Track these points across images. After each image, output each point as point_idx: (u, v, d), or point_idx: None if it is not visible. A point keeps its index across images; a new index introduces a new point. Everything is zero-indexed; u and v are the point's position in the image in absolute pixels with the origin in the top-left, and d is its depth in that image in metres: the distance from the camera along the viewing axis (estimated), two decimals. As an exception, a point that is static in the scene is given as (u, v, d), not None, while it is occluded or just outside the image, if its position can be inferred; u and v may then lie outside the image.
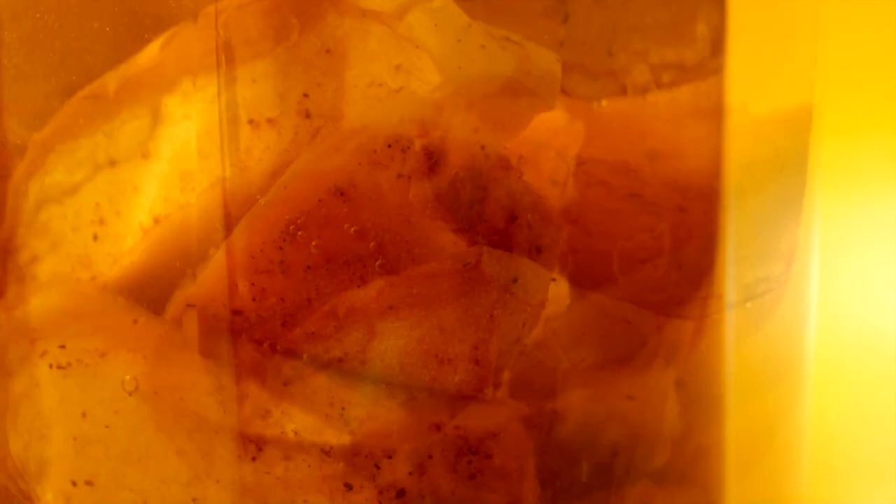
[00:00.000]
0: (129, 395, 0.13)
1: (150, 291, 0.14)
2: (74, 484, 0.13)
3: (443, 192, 0.12)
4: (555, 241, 0.13)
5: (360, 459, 0.13)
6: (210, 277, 0.13)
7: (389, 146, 0.12)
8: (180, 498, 0.13)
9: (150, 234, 0.14)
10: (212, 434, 0.13)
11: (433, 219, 0.12)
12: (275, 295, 0.13)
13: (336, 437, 0.13)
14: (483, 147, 0.12)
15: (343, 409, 0.13)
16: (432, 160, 0.12)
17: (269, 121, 0.13)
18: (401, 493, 0.13)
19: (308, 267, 0.12)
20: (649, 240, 0.15)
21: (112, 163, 0.14)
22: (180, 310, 0.13)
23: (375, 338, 0.13)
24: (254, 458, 0.13)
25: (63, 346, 0.13)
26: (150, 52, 0.14)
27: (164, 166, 0.14)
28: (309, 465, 0.13)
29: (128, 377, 0.13)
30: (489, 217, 0.13)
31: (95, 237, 0.14)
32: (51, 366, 0.13)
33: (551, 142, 0.14)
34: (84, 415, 0.13)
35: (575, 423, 0.16)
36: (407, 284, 0.13)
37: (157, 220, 0.14)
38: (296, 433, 0.13)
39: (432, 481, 0.15)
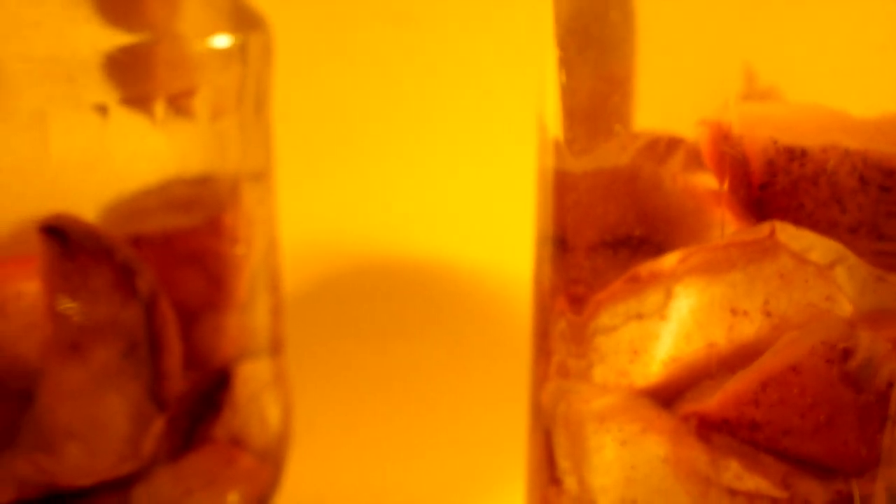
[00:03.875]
0: (662, 460, 0.23)
1: (665, 397, 0.23)
2: (623, 500, 0.24)
3: (851, 371, 0.21)
4: None
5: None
6: (705, 398, 0.23)
7: (822, 343, 0.21)
8: (686, 517, 0.23)
9: (668, 366, 0.23)
10: (707, 485, 0.22)
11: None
12: (746, 418, 0.22)
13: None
14: (876, 346, 0.21)
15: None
16: (847, 355, 0.21)
17: (744, 312, 0.22)
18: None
19: (757, 424, 0.22)
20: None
21: (640, 317, 0.24)
22: (684, 413, 0.23)
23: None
24: (729, 502, 0.22)
25: (621, 430, 0.23)
26: (671, 260, 0.23)
27: (675, 326, 0.23)
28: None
29: (660, 450, 0.23)
30: (877, 384, 0.21)
31: (631, 361, 0.24)
32: (614, 439, 0.23)
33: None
34: (633, 467, 0.23)
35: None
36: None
37: (672, 360, 0.23)
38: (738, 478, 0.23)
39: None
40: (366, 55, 0.50)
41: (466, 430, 0.44)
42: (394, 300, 0.49)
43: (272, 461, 0.36)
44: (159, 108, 0.30)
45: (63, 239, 0.29)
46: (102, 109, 0.29)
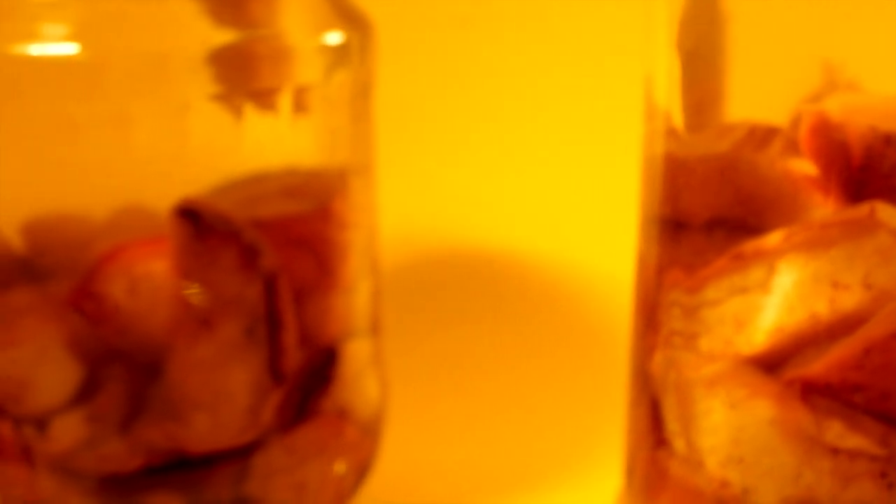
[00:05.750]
0: (768, 422, 0.25)
1: (769, 364, 0.25)
2: (730, 459, 0.26)
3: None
4: None
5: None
6: (808, 364, 0.25)
7: (919, 313, 0.23)
8: (790, 475, 0.25)
9: (771, 336, 0.25)
10: (811, 445, 0.24)
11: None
12: (850, 382, 0.24)
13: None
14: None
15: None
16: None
17: (846, 286, 0.24)
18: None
19: (859, 387, 0.24)
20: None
21: (744, 291, 0.26)
22: (789, 378, 0.25)
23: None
24: (832, 460, 0.24)
25: (729, 394, 0.25)
26: (775, 238, 0.25)
27: (778, 299, 0.25)
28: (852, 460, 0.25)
29: (767, 412, 0.25)
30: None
31: (736, 331, 0.26)
32: (722, 403, 0.25)
33: None
34: (740, 429, 0.25)
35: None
36: None
37: (777, 330, 0.25)
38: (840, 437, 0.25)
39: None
40: (458, 49, 0.52)
41: (548, 411, 0.46)
42: (478, 287, 0.52)
43: (373, 433, 0.39)
44: (282, 102, 0.33)
45: (196, 221, 0.32)
46: (233, 105, 0.32)
